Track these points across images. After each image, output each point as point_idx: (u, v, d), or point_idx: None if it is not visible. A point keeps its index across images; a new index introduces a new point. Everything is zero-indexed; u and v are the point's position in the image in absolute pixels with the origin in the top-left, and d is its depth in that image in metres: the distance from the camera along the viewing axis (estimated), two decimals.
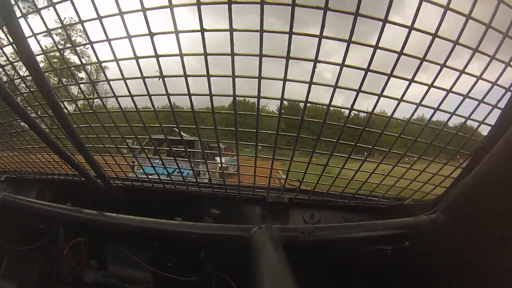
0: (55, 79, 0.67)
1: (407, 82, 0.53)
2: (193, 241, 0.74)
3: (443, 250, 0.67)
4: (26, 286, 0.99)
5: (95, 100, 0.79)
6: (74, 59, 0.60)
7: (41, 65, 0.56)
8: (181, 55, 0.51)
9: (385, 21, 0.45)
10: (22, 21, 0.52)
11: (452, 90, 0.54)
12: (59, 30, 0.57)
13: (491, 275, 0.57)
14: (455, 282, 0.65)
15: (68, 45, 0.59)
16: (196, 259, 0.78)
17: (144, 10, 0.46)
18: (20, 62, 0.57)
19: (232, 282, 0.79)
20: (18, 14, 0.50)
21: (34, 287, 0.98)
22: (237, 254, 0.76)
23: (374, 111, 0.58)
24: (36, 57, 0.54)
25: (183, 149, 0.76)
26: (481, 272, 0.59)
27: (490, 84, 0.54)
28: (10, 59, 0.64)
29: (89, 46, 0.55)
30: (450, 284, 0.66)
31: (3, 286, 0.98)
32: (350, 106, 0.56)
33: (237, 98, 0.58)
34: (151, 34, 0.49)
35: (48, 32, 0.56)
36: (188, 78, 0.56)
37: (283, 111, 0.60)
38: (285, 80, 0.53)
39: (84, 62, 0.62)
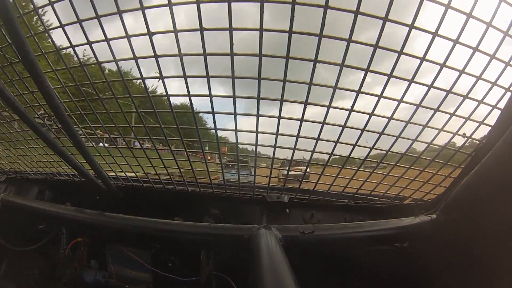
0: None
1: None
2: (193, 241, 0.74)
3: (443, 249, 0.67)
4: (26, 286, 0.99)
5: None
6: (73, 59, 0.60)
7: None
8: (181, 55, 0.51)
9: (385, 19, 0.44)
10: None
11: (452, 91, 0.54)
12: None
13: (490, 275, 0.57)
14: (455, 282, 0.65)
15: (67, 45, 0.58)
16: (196, 259, 0.78)
17: (143, 8, 0.46)
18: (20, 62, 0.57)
19: (232, 282, 0.79)
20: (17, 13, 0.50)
21: (34, 287, 0.98)
22: (237, 254, 0.76)
23: (375, 112, 0.58)
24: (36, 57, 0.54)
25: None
26: (480, 271, 0.59)
27: (490, 84, 0.54)
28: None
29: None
30: (449, 284, 0.66)
31: (3, 286, 0.99)
32: (350, 107, 0.56)
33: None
34: (150, 34, 0.49)
35: (47, 32, 0.55)
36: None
37: None
38: (284, 81, 0.53)
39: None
